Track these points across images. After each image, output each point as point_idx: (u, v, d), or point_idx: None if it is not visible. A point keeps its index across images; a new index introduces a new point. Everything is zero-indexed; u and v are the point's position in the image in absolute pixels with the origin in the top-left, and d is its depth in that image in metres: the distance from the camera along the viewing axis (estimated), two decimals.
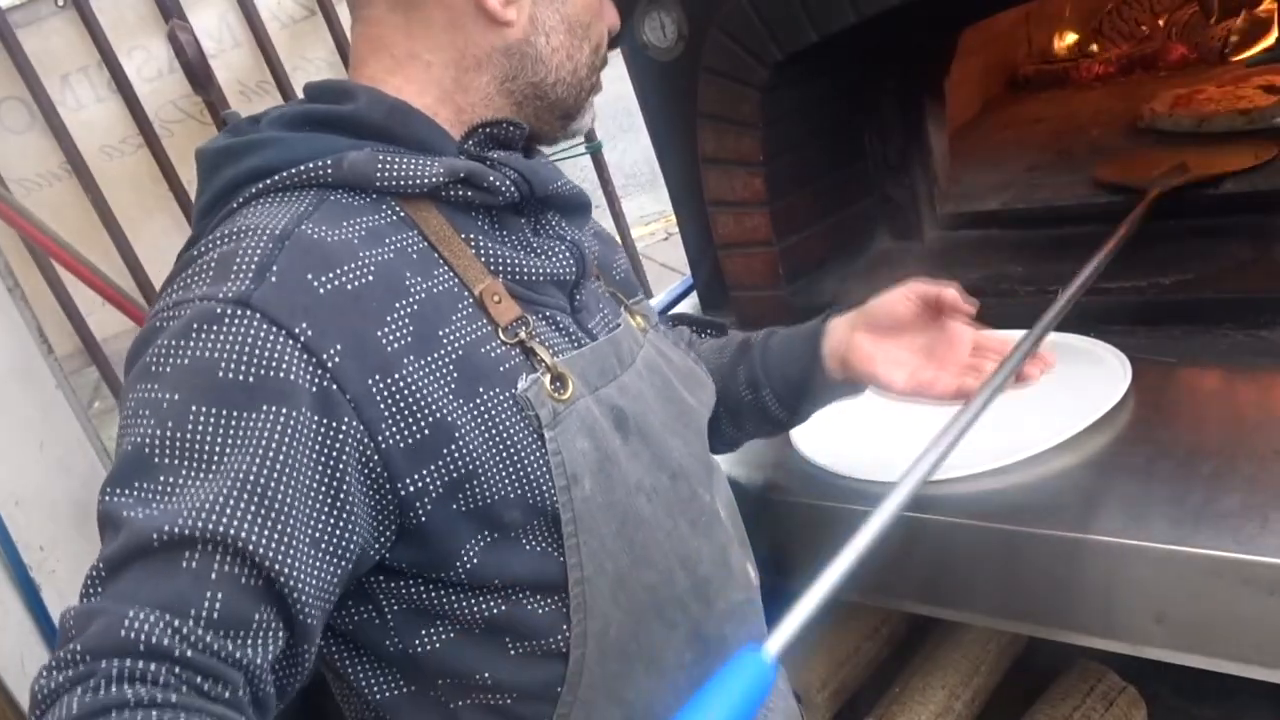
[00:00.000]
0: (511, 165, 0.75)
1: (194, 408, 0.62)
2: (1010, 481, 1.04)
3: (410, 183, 0.71)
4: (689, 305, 1.74)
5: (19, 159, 2.05)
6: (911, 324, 0.97)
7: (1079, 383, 1.14)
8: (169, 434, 0.62)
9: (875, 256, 1.65)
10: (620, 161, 2.21)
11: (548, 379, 0.73)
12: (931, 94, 1.64)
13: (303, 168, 0.70)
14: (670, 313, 1.68)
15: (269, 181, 0.71)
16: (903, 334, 0.97)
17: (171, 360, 0.63)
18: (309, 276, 0.66)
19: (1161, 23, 2.03)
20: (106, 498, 0.62)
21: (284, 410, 0.63)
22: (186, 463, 0.61)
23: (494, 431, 0.71)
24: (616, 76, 1.66)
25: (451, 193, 0.73)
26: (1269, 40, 1.87)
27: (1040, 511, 1.00)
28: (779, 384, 1.01)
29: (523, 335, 0.73)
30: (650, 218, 4.14)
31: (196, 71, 2.00)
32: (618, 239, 0.98)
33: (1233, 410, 1.08)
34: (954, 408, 0.90)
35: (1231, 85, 1.69)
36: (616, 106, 2.40)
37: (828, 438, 1.20)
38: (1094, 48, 2.14)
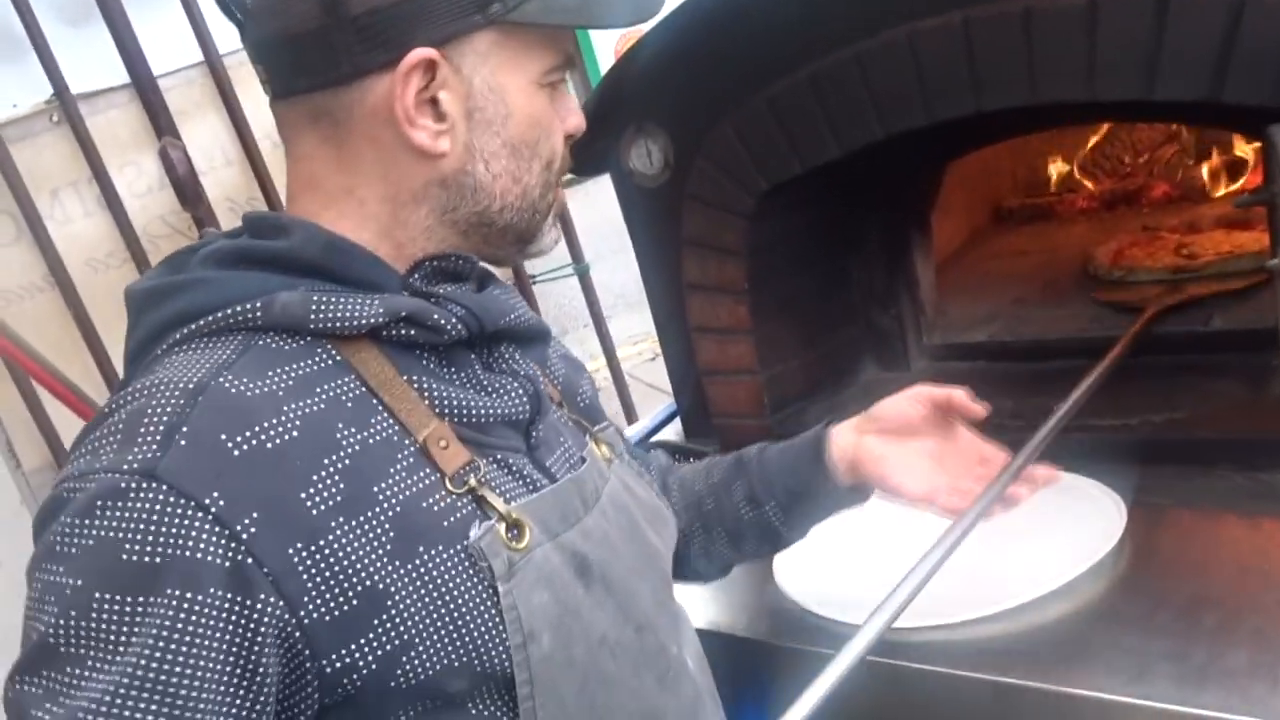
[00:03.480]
0: (459, 301, 0.71)
1: (97, 594, 0.58)
2: (1001, 629, 0.99)
3: (347, 324, 0.66)
4: (673, 431, 1.70)
5: (3, 271, 2.04)
6: (920, 428, 0.96)
7: (1072, 523, 1.10)
8: (73, 623, 0.58)
9: (862, 386, 1.62)
10: (609, 281, 2.21)
11: (502, 527, 0.68)
12: (917, 224, 1.64)
13: (230, 311, 0.66)
14: (652, 440, 1.65)
15: (194, 326, 0.66)
16: (911, 438, 0.95)
17: (76, 540, 0.60)
18: (223, 437, 0.61)
19: (1144, 160, 2.06)
20: (16, 686, 0.60)
21: (190, 594, 0.58)
22: (92, 653, 0.58)
23: (436, 594, 0.65)
24: (609, 199, 1.66)
25: (394, 332, 0.68)
26: (1243, 179, 1.90)
27: (1034, 663, 0.94)
28: (783, 496, 0.97)
29: (472, 482, 0.68)
30: (638, 337, 4.14)
31: (186, 188, 2.01)
32: (589, 362, 0.94)
33: (1234, 557, 1.04)
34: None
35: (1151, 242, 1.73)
36: (607, 228, 2.42)
37: (813, 576, 1.15)
38: (1080, 178, 2.17)
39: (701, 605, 1.15)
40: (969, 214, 2.11)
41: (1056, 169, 2.22)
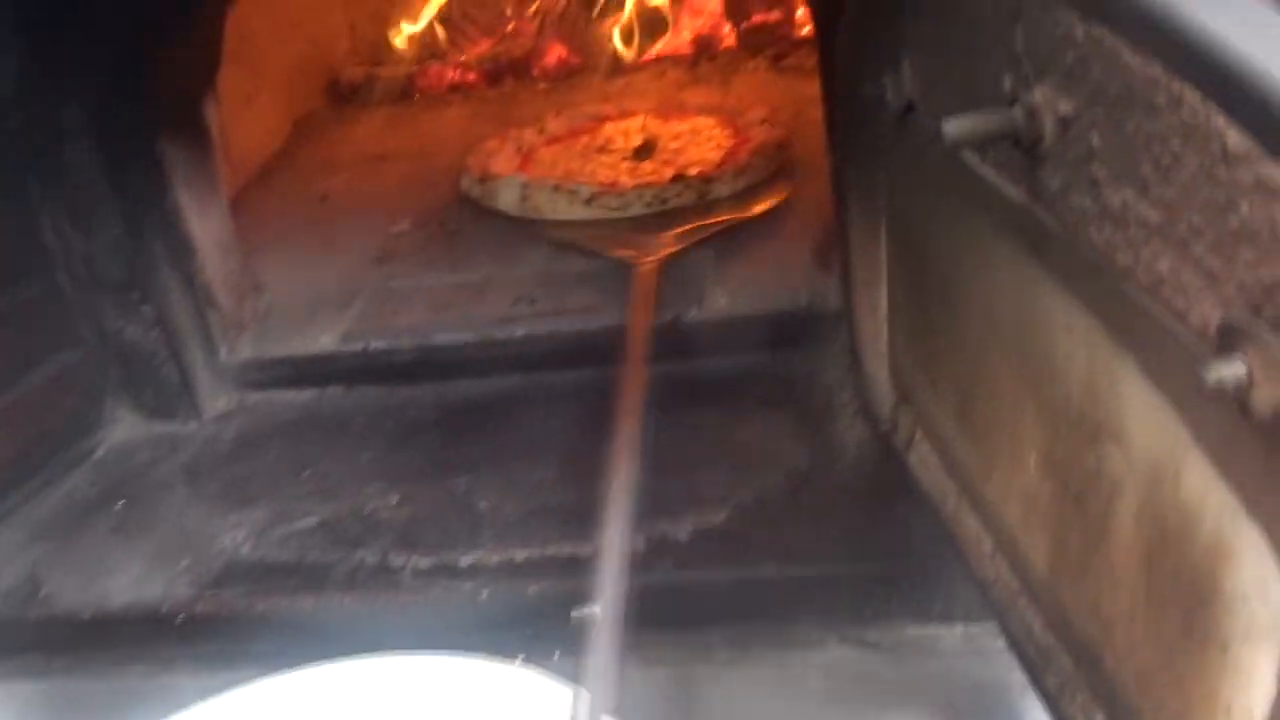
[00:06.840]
0: None
1: None
2: None
3: None
4: None
5: None
6: None
7: None
8: None
9: (105, 464, 0.81)
10: None
11: None
12: (180, 123, 0.84)
13: None
14: None
15: None
16: None
17: None
18: None
19: (533, 12, 1.46)
20: None
21: None
22: None
23: None
24: None
25: None
26: (666, 39, 1.39)
27: None
28: None
29: None
30: None
31: None
32: None
33: None
34: None
35: (565, 141, 1.17)
36: None
37: None
38: (440, 38, 1.50)
39: None
40: (289, 92, 1.34)
41: (409, 26, 1.53)
